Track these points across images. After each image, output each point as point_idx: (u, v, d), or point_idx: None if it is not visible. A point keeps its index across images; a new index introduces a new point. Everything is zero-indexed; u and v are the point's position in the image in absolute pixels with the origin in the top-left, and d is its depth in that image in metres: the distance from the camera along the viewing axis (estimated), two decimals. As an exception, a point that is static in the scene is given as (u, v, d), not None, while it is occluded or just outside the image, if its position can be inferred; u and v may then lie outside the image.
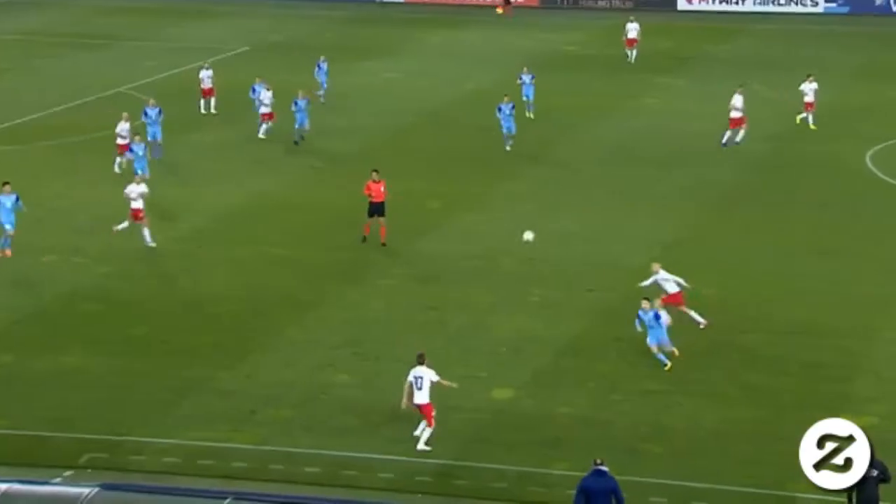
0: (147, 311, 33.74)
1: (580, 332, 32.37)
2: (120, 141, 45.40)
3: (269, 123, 50.08)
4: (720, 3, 79.25)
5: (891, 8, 76.30)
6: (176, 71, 63.51)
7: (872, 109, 54.09)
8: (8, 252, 37.07)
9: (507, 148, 47.82)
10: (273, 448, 26.55)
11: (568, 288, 35.32)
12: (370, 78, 61.41)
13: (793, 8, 77.90)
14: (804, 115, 50.60)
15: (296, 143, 49.17)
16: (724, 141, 47.68)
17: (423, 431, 26.46)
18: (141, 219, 37.99)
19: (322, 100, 54.88)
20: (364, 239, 38.22)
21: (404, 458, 26.11)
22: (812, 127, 49.87)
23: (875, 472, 22.11)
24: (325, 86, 55.88)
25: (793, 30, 73.13)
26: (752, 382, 29.48)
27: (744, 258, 37.14)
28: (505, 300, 34.60)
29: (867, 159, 46.83)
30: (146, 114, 48.17)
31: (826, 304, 33.91)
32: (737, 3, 79.04)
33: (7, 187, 37.30)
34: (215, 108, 54.20)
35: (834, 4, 77.46)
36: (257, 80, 52.59)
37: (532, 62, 64.39)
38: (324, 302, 34.42)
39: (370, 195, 38.38)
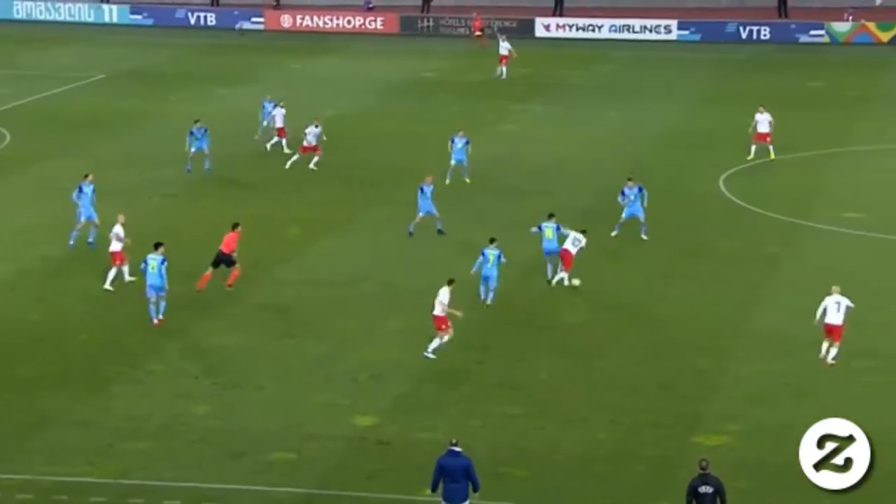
0: (-1, 343, 33.01)
1: (441, 357, 32.42)
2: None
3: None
4: (577, 30, 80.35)
5: (740, 35, 78.08)
6: (31, 98, 62.43)
7: (724, 134, 55.19)
8: None
9: (467, 180, 47.37)
10: (132, 481, 26.11)
11: (429, 314, 35.30)
12: (229, 104, 61.01)
13: (647, 35, 79.26)
14: (754, 147, 50.41)
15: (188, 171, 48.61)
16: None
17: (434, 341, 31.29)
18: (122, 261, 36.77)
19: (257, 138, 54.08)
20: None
21: (265, 487, 25.89)
22: (772, 157, 50.17)
23: (710, 489, 22.50)
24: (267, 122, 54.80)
25: (648, 56, 74.42)
26: (610, 404, 29.80)
27: (602, 283, 37.58)
28: (365, 327, 34.54)
29: (720, 184, 47.74)
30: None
31: (680, 325, 34.45)
32: (593, 30, 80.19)
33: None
34: None
35: (686, 32, 79.00)
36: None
37: (391, 88, 64.62)
38: (181, 332, 34.00)
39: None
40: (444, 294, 32.06)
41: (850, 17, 77.36)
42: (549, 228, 37.41)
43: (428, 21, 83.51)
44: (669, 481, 25.82)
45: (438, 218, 41.76)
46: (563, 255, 36.67)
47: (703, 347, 32.90)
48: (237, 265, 36.69)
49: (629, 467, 26.77)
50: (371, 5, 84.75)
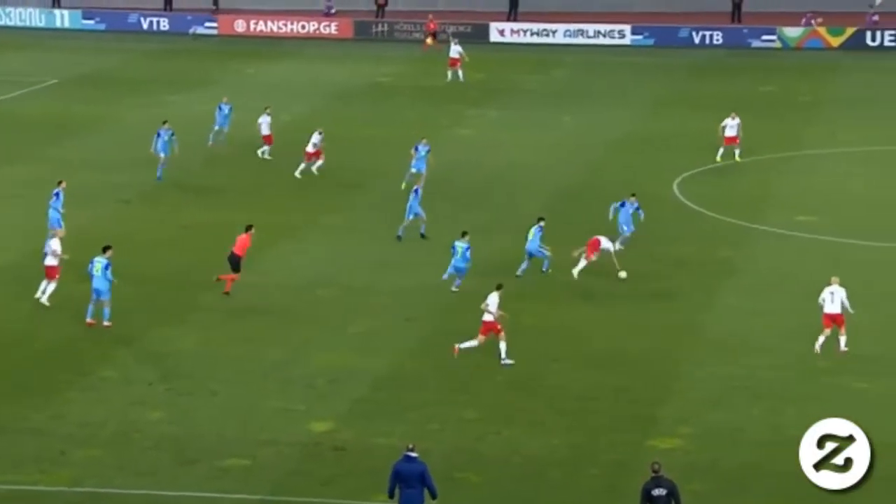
0: (-50, 351, 32.75)
1: (398, 361, 32.45)
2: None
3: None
4: (531, 35, 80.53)
5: (693, 40, 78.48)
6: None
7: (678, 138, 55.49)
8: None
9: (402, 185, 47.26)
10: (85, 489, 25.95)
11: (387, 318, 35.39)
12: (182, 110, 60.73)
13: (601, 40, 79.53)
14: (723, 150, 50.81)
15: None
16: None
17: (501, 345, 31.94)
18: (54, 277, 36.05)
19: (210, 143, 53.77)
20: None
21: (219, 494, 25.80)
22: (738, 160, 50.56)
23: (664, 492, 22.62)
24: (224, 128, 54.52)
25: (602, 61, 74.68)
26: (565, 409, 29.89)
27: (558, 287, 37.68)
28: (322, 332, 34.51)
29: (674, 188, 47.97)
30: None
31: (635, 330, 34.57)
32: (547, 35, 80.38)
33: None
34: None
35: (640, 36, 79.35)
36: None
37: (346, 93, 64.57)
38: (136, 337, 33.84)
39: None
40: (493, 300, 32.22)
41: (814, 21, 77.87)
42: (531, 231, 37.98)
43: (382, 26, 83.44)
44: (624, 485, 25.91)
45: (424, 221, 41.67)
46: (592, 243, 37.42)
47: (658, 351, 33.05)
48: (239, 273, 36.74)
49: (584, 472, 26.86)
50: (332, 11, 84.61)
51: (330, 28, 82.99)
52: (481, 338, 32.24)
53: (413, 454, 23.43)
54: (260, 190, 47.71)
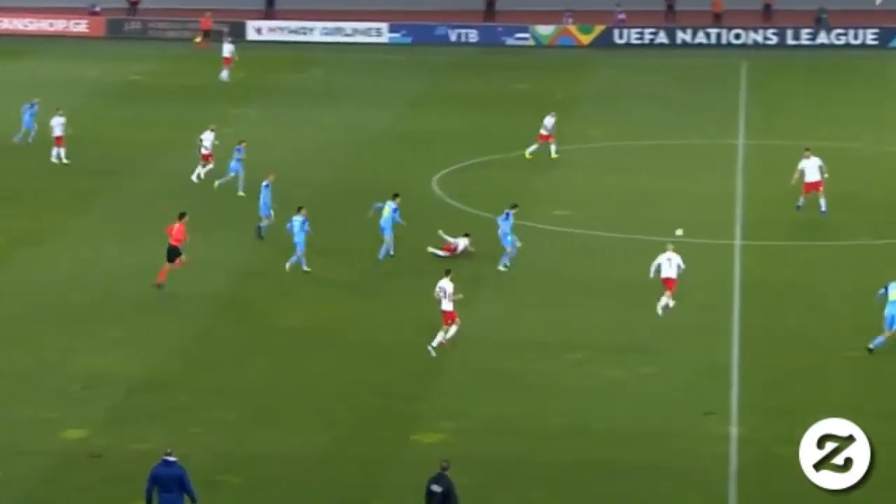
0: None
1: (156, 365, 31.81)
2: None
3: None
4: (289, 33, 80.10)
5: (449, 38, 79.30)
6: None
7: (437, 135, 55.94)
8: None
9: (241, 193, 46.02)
10: None
11: (144, 322, 34.67)
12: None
13: (359, 38, 79.69)
14: (534, 147, 51.25)
15: None
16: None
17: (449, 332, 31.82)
18: None
19: (17, 140, 51.78)
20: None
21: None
22: (554, 156, 51.08)
23: (439, 489, 22.78)
24: (31, 128, 52.33)
25: (360, 59, 74.78)
26: (328, 406, 29.75)
27: (318, 283, 37.52)
28: (77, 337, 33.64)
29: (433, 184, 48.32)
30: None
31: (396, 325, 34.67)
32: (305, 33, 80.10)
33: None
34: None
35: (398, 34, 79.78)
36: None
37: (98, 92, 63.13)
38: None
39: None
40: (447, 285, 32.18)
41: (566, 19, 79.49)
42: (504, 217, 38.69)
43: (135, 24, 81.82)
44: (386, 481, 26.07)
45: (267, 220, 41.12)
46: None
47: (419, 346, 33.15)
48: (182, 257, 36.28)
49: (346, 469, 26.76)
50: (97, 8, 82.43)
51: (81, 26, 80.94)
52: (447, 327, 32.23)
53: (171, 458, 23.08)
54: (4, 195, 46.16)
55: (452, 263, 39.10)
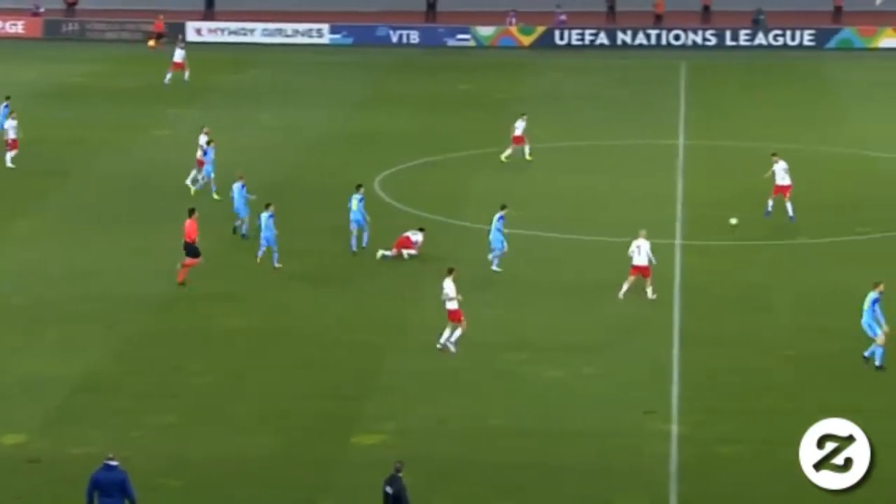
0: None
1: (97, 368, 31.61)
2: None
3: None
4: (229, 34, 79.74)
5: (391, 38, 79.25)
6: None
7: (379, 136, 55.89)
8: None
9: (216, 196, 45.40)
10: None
11: (84, 325, 34.42)
12: None
13: (300, 39, 79.48)
14: (510, 151, 51.23)
15: None
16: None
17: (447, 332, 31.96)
18: None
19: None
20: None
21: None
22: (528, 158, 51.18)
23: (391, 491, 22.82)
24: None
25: (301, 60, 74.58)
26: (271, 409, 29.65)
27: (263, 286, 37.38)
28: (17, 341, 33.34)
29: (375, 185, 48.26)
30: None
31: (339, 327, 34.61)
32: (245, 34, 79.79)
33: None
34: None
35: (338, 35, 79.64)
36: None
37: (35, 94, 62.62)
38: None
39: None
40: (449, 286, 32.28)
41: (509, 20, 79.64)
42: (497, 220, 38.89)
43: (73, 25, 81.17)
44: (329, 483, 26.03)
45: (245, 221, 41.07)
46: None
47: (362, 347, 33.15)
48: (200, 257, 36.61)
49: (288, 471, 26.68)
50: (40, 9, 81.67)
51: (17, 27, 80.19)
52: (456, 324, 32.32)
53: (113, 462, 22.93)
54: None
55: (403, 261, 39.20)
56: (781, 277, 38.61)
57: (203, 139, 47.37)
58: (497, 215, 38.87)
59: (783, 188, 43.35)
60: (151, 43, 75.98)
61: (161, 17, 77.81)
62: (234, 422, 28.93)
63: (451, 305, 32.44)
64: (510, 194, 47.33)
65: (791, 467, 26.45)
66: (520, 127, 51.98)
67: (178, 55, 67.30)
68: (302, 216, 41.14)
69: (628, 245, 36.30)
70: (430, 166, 51.34)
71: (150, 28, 77.67)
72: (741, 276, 38.73)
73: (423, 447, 27.65)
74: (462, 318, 32.39)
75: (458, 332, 32.36)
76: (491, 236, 38.87)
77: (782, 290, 37.53)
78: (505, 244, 38.84)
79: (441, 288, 32.54)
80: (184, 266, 36.88)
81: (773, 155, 44.57)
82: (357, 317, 35.33)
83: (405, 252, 39.58)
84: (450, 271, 32.80)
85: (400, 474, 23.02)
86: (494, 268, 38.71)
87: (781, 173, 43.49)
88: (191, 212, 37.69)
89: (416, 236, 39.93)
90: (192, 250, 37.02)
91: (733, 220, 40.77)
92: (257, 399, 30.17)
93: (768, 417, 29.18)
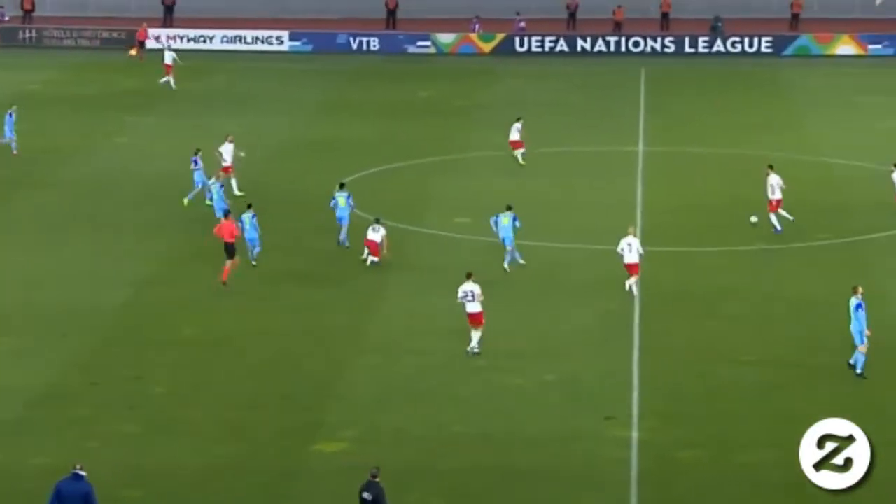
0: None
1: (54, 379, 31.42)
2: None
3: None
4: (188, 41, 79.42)
5: (351, 46, 79.19)
6: None
7: (341, 144, 55.82)
8: None
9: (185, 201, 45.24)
10: None
11: (40, 334, 34.20)
12: None
13: (259, 46, 79.29)
14: (519, 154, 51.63)
15: None
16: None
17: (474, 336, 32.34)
18: None
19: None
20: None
21: None
22: (521, 163, 51.38)
23: (370, 497, 22.81)
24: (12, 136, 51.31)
25: (261, 67, 74.37)
26: (228, 419, 29.55)
27: (219, 296, 37.25)
28: (-29, 351, 33.08)
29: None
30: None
31: (299, 336, 34.54)
32: (204, 41, 79.51)
33: None
34: None
35: (298, 43, 79.44)
36: None
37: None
38: None
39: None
40: (474, 287, 32.47)
41: (473, 27, 79.75)
42: (505, 217, 39.10)
43: (30, 32, 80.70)
44: (288, 492, 25.95)
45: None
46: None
47: (322, 356, 33.10)
48: (237, 258, 37.25)
49: (248, 480, 26.61)
50: (5, 18, 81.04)
51: (-27, 35, 79.68)
52: (479, 327, 32.52)
53: (81, 472, 22.61)
54: None
55: (365, 269, 39.19)
56: (741, 284, 38.77)
57: (228, 148, 47.26)
58: (511, 215, 39.13)
59: (773, 203, 42.71)
60: (133, 52, 75.59)
61: (144, 25, 77.42)
62: (193, 431, 28.83)
63: (474, 308, 32.44)
64: (468, 200, 47.54)
65: (749, 471, 26.90)
66: (516, 131, 52.18)
67: (168, 58, 67.19)
68: (262, 223, 40.96)
69: (617, 244, 36.97)
70: (391, 173, 51.32)
71: (134, 35, 76.95)
72: (701, 283, 38.87)
73: (383, 454, 27.51)
74: (483, 321, 32.54)
75: (479, 335, 32.64)
76: (502, 234, 39.17)
77: (742, 296, 37.69)
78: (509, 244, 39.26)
79: (467, 291, 32.51)
80: (227, 269, 37.22)
81: (769, 167, 43.69)
82: (317, 325, 35.26)
83: (370, 259, 39.45)
84: (468, 276, 32.91)
85: (377, 479, 22.99)
86: (517, 262, 39.04)
87: (773, 187, 42.91)
88: (226, 213, 38.35)
89: (378, 234, 39.51)
90: (232, 251, 37.35)
91: (753, 218, 41.36)
92: (217, 408, 30.07)
93: (727, 422, 29.32)
